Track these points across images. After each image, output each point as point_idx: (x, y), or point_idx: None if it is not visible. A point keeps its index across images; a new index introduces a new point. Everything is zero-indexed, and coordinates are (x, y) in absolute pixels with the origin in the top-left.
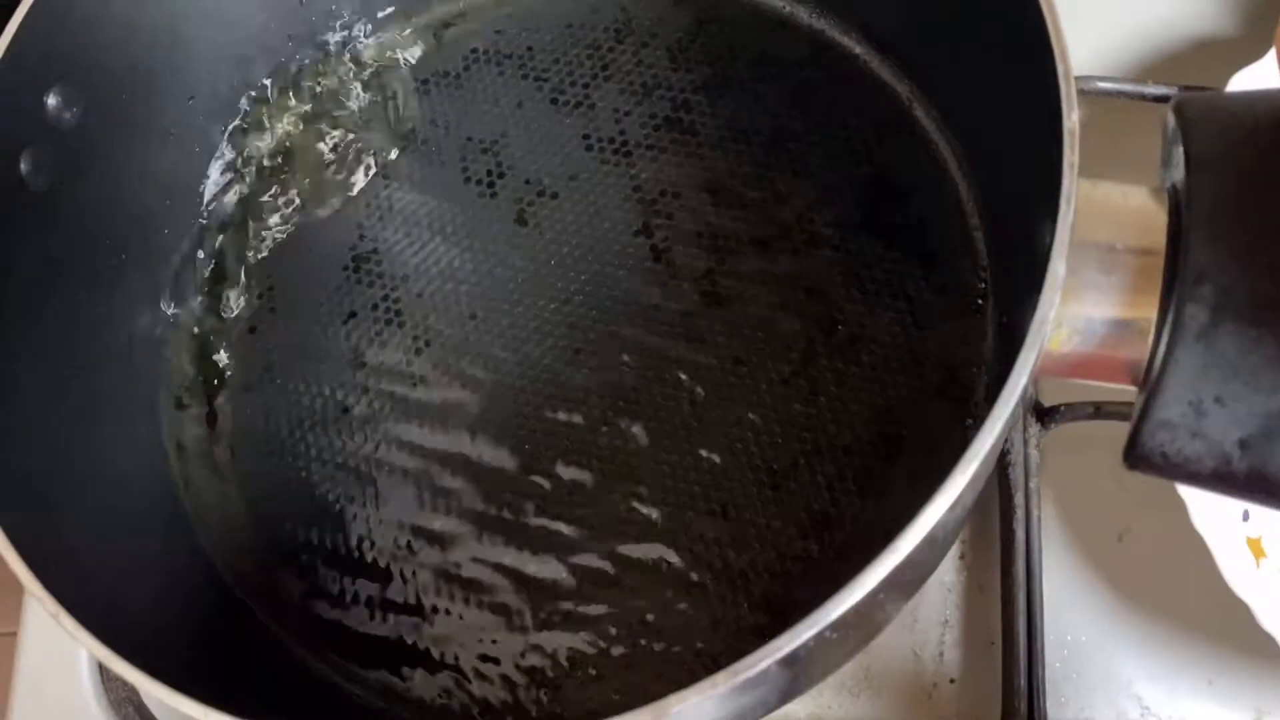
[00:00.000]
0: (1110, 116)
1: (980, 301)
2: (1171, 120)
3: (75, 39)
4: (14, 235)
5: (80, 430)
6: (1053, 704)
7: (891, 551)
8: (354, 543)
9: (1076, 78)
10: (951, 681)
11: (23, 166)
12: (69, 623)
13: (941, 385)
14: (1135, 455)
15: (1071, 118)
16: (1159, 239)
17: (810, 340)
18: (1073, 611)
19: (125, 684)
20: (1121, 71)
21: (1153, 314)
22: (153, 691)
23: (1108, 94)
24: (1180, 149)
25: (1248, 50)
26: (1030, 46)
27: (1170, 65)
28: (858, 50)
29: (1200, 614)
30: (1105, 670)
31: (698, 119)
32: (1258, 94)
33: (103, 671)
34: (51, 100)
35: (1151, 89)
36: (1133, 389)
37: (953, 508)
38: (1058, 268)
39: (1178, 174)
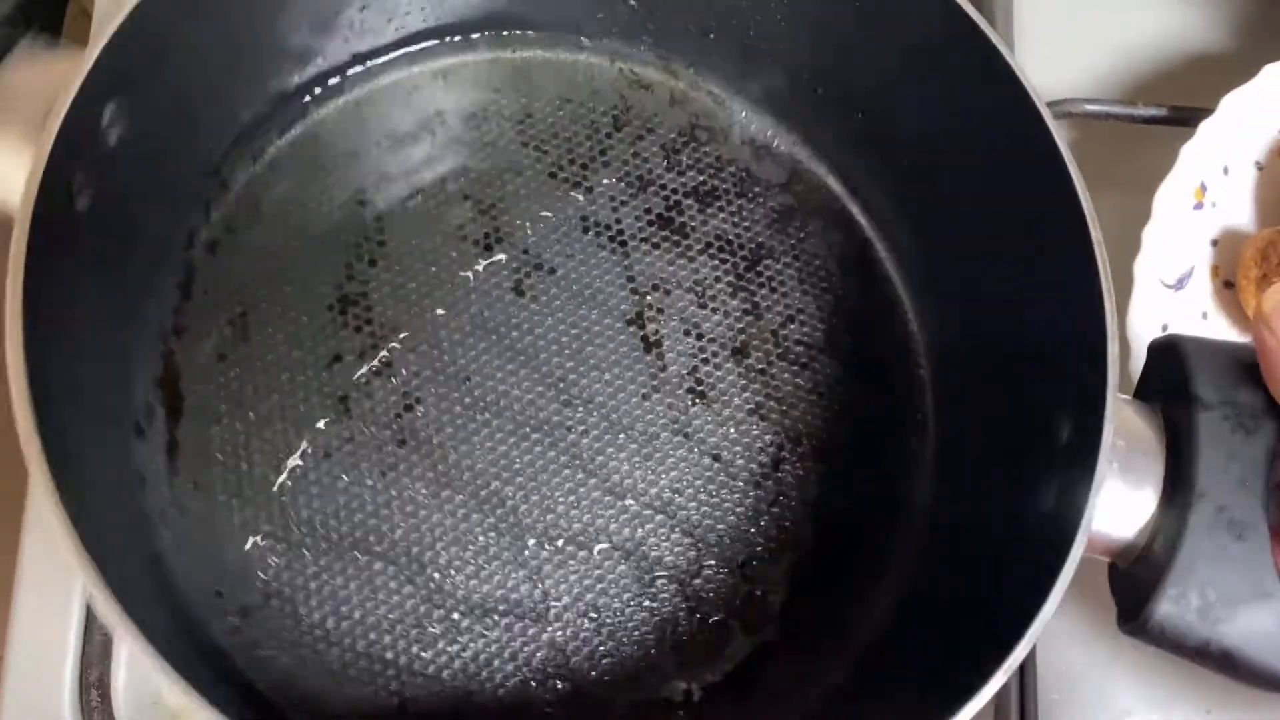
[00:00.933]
0: (1099, 139)
1: (917, 440)
2: (1163, 351)
3: (141, 55)
4: (61, 258)
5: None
6: None
7: None
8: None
9: (1065, 100)
10: None
11: (75, 185)
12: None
13: (875, 505)
14: (1135, 626)
15: (1113, 348)
16: (1159, 449)
17: (779, 448)
18: (1069, 638)
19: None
20: (1111, 92)
21: (1151, 508)
22: None
23: (1097, 116)
24: (1183, 384)
25: (1238, 70)
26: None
27: (1160, 85)
28: (829, 182)
29: None
30: (1101, 698)
31: (688, 221)
32: (1243, 347)
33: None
34: (105, 116)
35: (1141, 110)
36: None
37: None
38: (1103, 473)
39: (1177, 404)
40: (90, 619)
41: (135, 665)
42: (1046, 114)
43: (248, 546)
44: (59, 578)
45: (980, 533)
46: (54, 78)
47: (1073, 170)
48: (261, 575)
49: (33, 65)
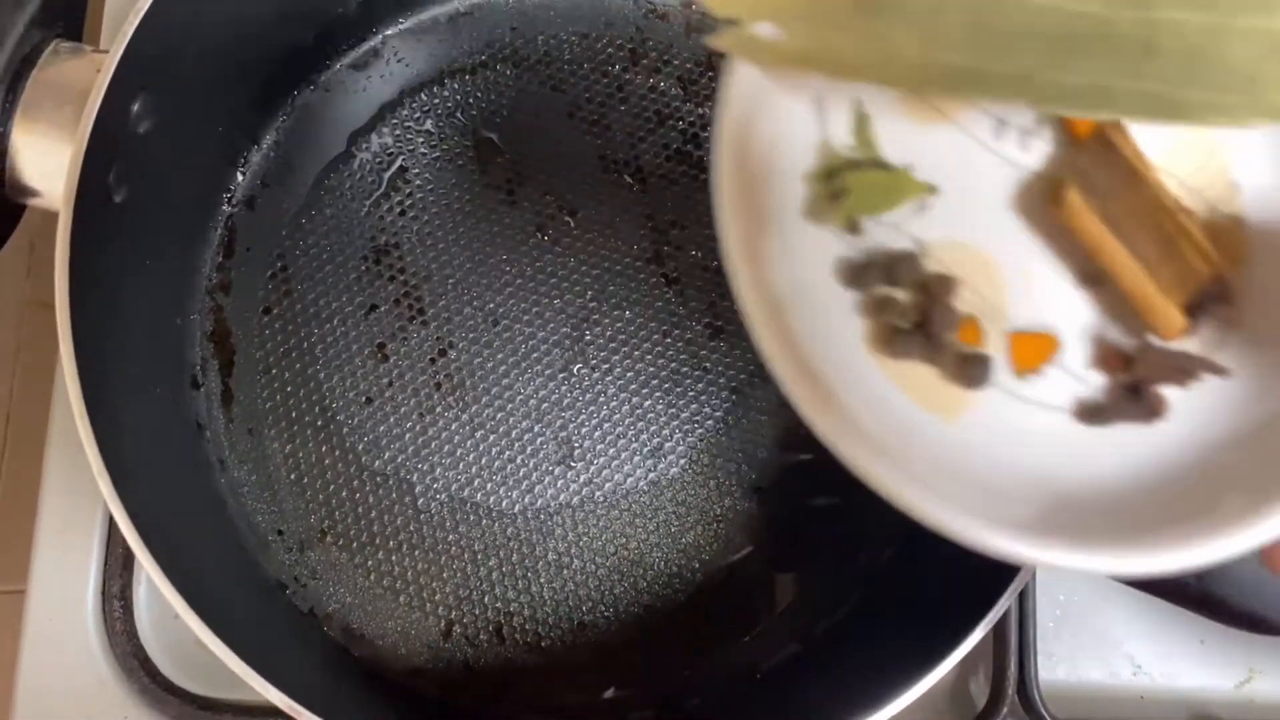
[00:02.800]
0: None
1: None
2: None
3: (170, 44)
4: (104, 242)
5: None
6: (1044, 662)
7: None
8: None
9: None
10: None
11: (112, 177)
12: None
13: None
14: None
15: None
16: None
17: None
18: (1064, 571)
19: (131, 640)
20: None
21: None
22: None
23: None
24: None
25: None
26: None
27: None
28: None
29: None
30: (1097, 630)
31: (706, 154)
32: None
33: (109, 628)
34: (136, 107)
35: None
36: None
37: None
38: None
39: None
40: (113, 531)
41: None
42: None
43: (301, 487)
44: (82, 494)
45: None
46: (84, 77)
47: None
48: (315, 513)
49: (61, 66)
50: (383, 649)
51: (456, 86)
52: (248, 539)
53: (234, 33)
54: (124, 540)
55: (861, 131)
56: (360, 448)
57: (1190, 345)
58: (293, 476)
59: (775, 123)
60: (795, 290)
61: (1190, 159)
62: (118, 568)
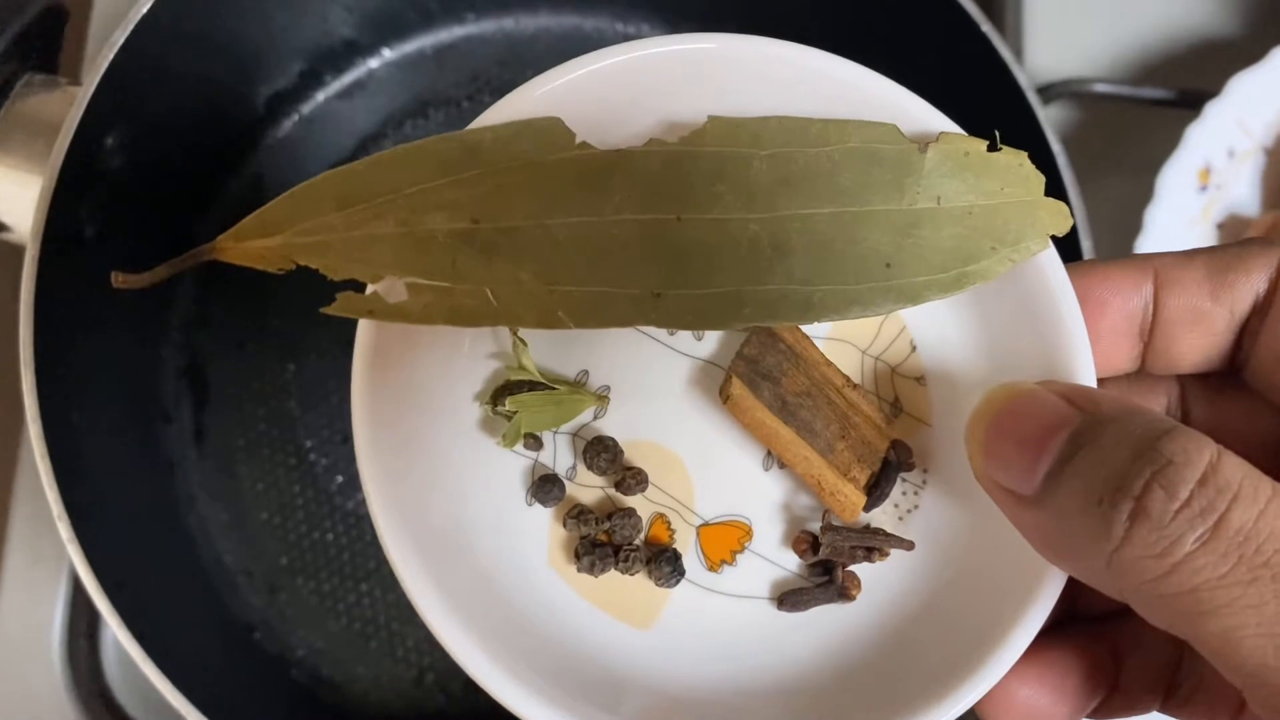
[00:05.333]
0: (1107, 119)
1: None
2: None
3: (146, 78)
4: (74, 280)
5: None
6: None
7: None
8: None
9: (1072, 80)
10: None
11: (82, 212)
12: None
13: None
14: None
15: None
16: None
17: None
18: None
19: (96, 679)
20: (1119, 74)
21: None
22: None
23: (1105, 97)
24: None
25: (1246, 52)
26: None
27: (1168, 68)
28: None
29: None
30: None
31: None
32: None
33: (73, 666)
34: (109, 142)
35: (1148, 92)
36: None
37: None
38: None
39: None
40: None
41: None
42: (1037, 106)
43: (272, 526)
44: (49, 530)
45: None
46: (57, 110)
47: (1062, 165)
48: (286, 554)
49: (35, 99)
50: (352, 695)
51: (441, 118)
52: (216, 579)
53: (215, 66)
54: (85, 584)
55: (519, 356)
56: (333, 488)
57: (885, 517)
58: (264, 515)
59: (431, 358)
60: (468, 521)
61: (867, 327)
62: (85, 605)
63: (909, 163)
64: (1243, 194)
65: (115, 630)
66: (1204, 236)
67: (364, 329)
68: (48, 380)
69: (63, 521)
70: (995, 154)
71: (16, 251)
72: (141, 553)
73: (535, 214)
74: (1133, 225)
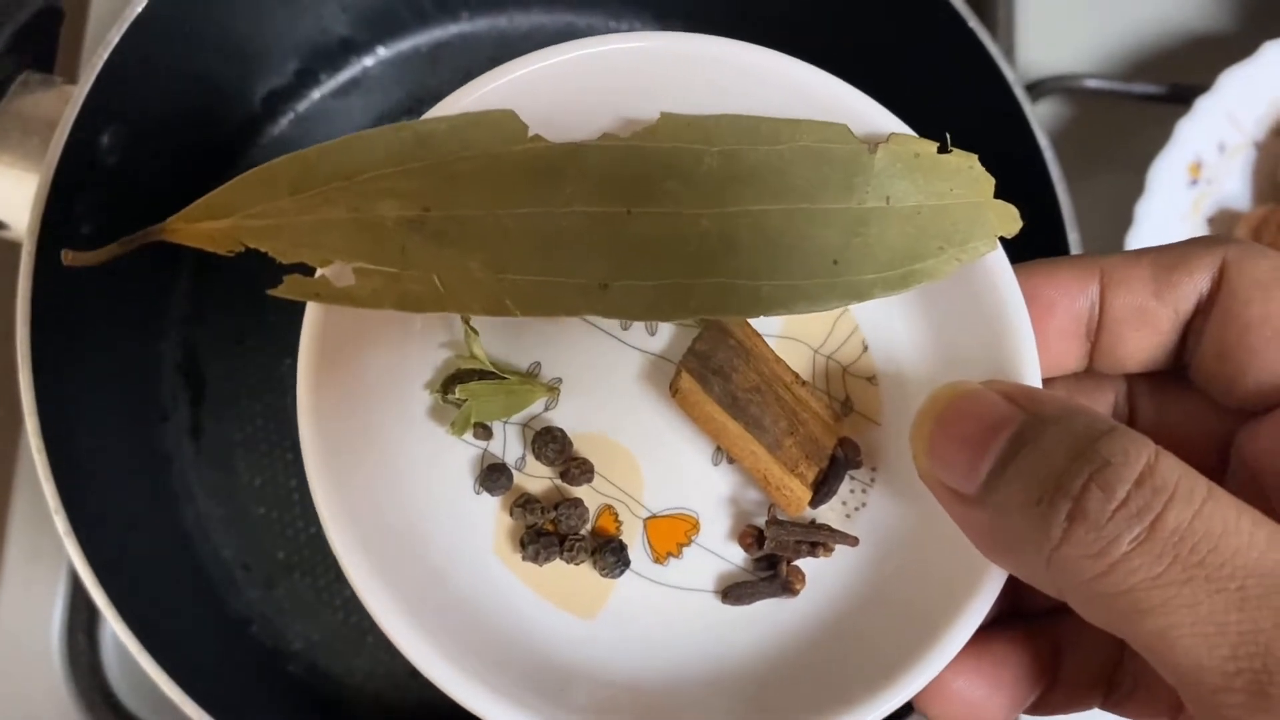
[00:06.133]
0: (1098, 115)
1: None
2: None
3: (141, 76)
4: (70, 277)
5: (104, 440)
6: None
7: None
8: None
9: (1064, 76)
10: None
11: (78, 209)
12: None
13: None
14: None
15: None
16: None
17: None
18: None
19: (95, 675)
20: (1111, 70)
21: None
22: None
23: (1096, 92)
24: None
25: (1236, 48)
26: None
27: (1160, 64)
28: None
29: None
30: None
31: None
32: None
33: (73, 662)
34: (105, 140)
35: (1139, 87)
36: None
37: None
38: None
39: None
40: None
41: None
42: (1025, 103)
43: (269, 520)
44: (49, 526)
45: None
46: (52, 108)
47: (1050, 161)
48: (283, 549)
49: (30, 97)
50: (348, 688)
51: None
52: (213, 573)
53: (210, 64)
54: (82, 579)
55: (470, 344)
56: None
57: (833, 514)
58: (261, 510)
59: (381, 345)
60: (415, 509)
61: (820, 326)
62: (84, 602)
63: (859, 162)
64: (1233, 188)
65: (112, 623)
66: (1195, 230)
67: (312, 313)
68: (45, 376)
69: (59, 515)
70: (945, 155)
71: (13, 249)
72: (138, 548)
73: (486, 204)
74: (1124, 220)
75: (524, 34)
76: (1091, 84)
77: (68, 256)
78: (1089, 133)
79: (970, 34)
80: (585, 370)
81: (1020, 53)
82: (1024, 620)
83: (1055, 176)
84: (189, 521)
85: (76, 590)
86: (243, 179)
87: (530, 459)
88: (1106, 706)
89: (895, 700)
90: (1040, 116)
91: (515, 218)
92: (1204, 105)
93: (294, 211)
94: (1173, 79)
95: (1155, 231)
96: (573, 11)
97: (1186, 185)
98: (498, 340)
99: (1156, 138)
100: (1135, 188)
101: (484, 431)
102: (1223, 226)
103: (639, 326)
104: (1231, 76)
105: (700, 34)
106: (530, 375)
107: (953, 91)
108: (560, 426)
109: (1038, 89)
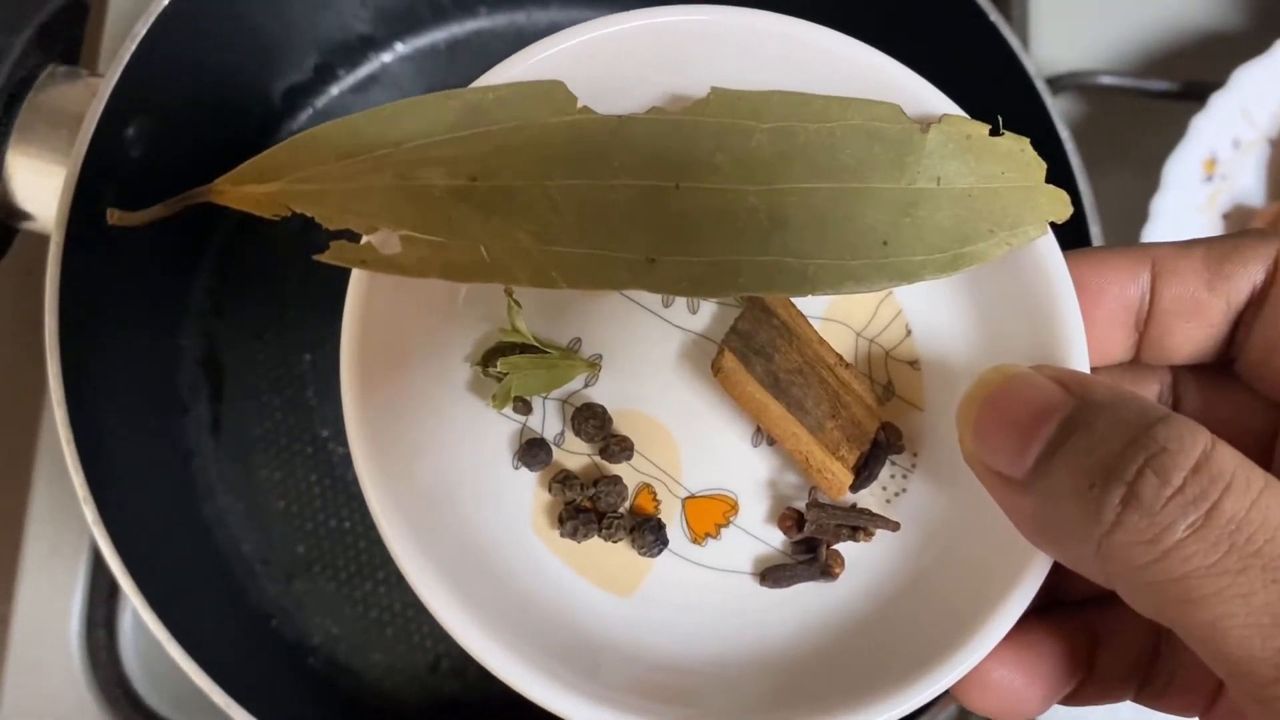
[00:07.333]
0: (1113, 111)
1: None
2: None
3: (166, 69)
4: (97, 269)
5: (127, 434)
6: None
7: None
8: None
9: (1078, 73)
10: None
11: (104, 201)
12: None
13: None
14: None
15: None
16: None
17: None
18: None
19: (114, 668)
20: (1125, 66)
21: None
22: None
23: (1111, 89)
24: None
25: (1251, 45)
26: None
27: (1174, 61)
28: None
29: None
30: None
31: None
32: None
33: (92, 655)
34: (131, 132)
35: (1154, 84)
36: None
37: None
38: None
39: None
40: (99, 557)
41: None
42: (1046, 95)
43: (289, 515)
44: (69, 519)
45: None
46: (79, 101)
47: (1071, 154)
48: (302, 543)
49: (57, 90)
50: (368, 681)
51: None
52: (234, 568)
53: (232, 59)
54: (110, 567)
55: (513, 317)
56: (350, 476)
57: (873, 498)
58: (281, 505)
59: (422, 316)
60: (454, 482)
61: (863, 309)
62: (103, 595)
63: (910, 142)
64: (1248, 184)
65: (140, 611)
66: (1210, 226)
67: (356, 280)
68: (71, 368)
69: (88, 505)
70: (997, 138)
71: (41, 240)
72: (160, 541)
73: (533, 174)
74: (1139, 215)
75: (542, 30)
76: (1106, 80)
77: (114, 215)
78: (1103, 129)
79: (992, 27)
80: (626, 347)
81: (1035, 49)
82: (1062, 608)
83: (1077, 169)
84: (209, 515)
85: (96, 584)
86: (291, 143)
87: (569, 435)
88: (1139, 699)
89: (934, 688)
90: (1056, 111)
91: (562, 189)
92: (1218, 102)
93: (341, 177)
94: (1187, 76)
95: (1170, 227)
96: (591, 7)
97: (1201, 181)
98: (538, 315)
99: (1171, 134)
100: (1150, 184)
101: (524, 406)
102: (1238, 222)
103: (680, 304)
104: (1246, 73)
105: (747, 9)
106: (571, 351)
107: (973, 83)
108: (600, 403)
109: (1053, 85)
